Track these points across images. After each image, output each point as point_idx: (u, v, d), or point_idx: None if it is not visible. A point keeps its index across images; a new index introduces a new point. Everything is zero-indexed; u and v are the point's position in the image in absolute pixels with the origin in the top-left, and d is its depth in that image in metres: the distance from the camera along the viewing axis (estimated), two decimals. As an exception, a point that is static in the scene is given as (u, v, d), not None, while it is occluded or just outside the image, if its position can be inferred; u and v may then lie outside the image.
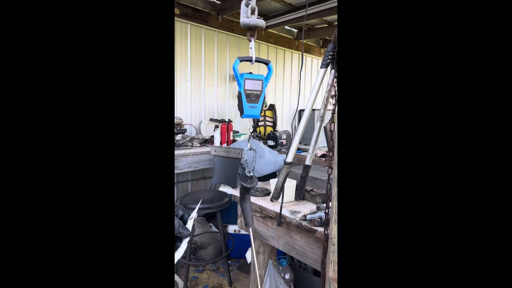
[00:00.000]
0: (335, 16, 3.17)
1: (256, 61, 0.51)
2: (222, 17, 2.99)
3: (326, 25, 3.62)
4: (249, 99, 0.50)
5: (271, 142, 2.92)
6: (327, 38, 4.26)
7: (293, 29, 3.88)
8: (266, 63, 0.52)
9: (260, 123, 3.11)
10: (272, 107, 3.22)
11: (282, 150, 2.84)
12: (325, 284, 0.78)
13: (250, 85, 0.50)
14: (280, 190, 0.80)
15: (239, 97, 0.50)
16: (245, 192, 0.55)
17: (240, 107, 0.51)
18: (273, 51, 3.73)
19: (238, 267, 2.06)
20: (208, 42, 2.99)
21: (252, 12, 0.51)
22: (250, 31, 0.51)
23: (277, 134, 2.93)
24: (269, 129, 3.13)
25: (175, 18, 2.66)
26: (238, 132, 3.02)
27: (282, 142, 2.98)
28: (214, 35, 3.03)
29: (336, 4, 2.67)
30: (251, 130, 0.62)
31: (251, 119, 2.83)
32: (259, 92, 0.51)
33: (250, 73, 0.53)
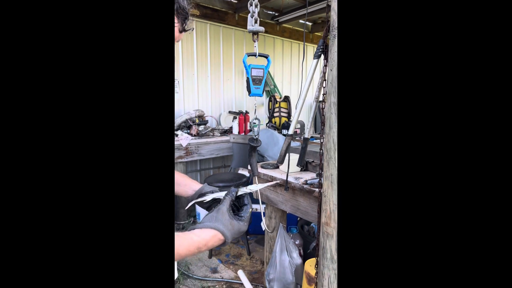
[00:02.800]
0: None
1: (258, 55, 0.73)
2: (239, 15, 3.20)
3: (339, 17, 3.70)
4: (254, 83, 0.72)
5: (285, 131, 3.12)
6: (342, 29, 4.33)
7: (307, 22, 4.01)
8: (266, 56, 0.74)
9: (275, 114, 3.31)
10: (286, 99, 3.41)
11: (296, 138, 3.04)
12: (320, 227, 0.99)
13: (255, 72, 0.72)
14: (283, 157, 1.01)
15: (247, 81, 0.72)
16: (252, 150, 0.77)
17: (248, 88, 0.73)
18: (288, 45, 3.89)
19: (255, 241, 2.31)
20: (226, 39, 3.22)
21: (255, 22, 0.73)
22: (254, 35, 0.73)
23: (287, 124, 3.12)
24: (284, 120, 3.32)
25: (196, 19, 2.92)
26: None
27: (296, 131, 3.17)
28: (232, 33, 3.25)
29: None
30: (255, 106, 0.79)
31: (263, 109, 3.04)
32: (261, 77, 0.72)
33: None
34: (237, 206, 0.64)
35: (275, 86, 3.55)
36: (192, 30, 0.58)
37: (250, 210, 0.62)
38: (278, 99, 3.35)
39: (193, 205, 0.70)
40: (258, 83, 0.73)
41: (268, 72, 3.51)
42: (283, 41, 3.80)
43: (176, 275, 0.72)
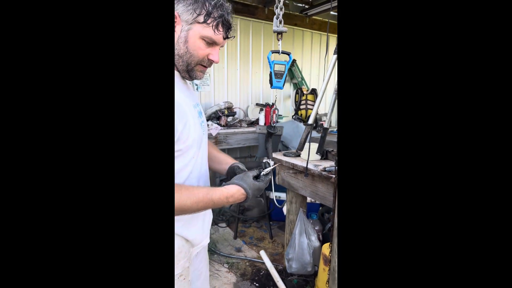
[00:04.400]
0: None
1: (281, 52, 0.83)
2: (268, 9, 3.25)
3: (372, 7, 3.59)
4: (276, 76, 0.82)
5: (311, 124, 3.17)
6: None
7: (335, 13, 3.94)
8: (288, 53, 0.84)
9: (301, 107, 3.36)
10: (314, 92, 3.43)
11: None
12: (335, 210, 1.08)
13: (277, 67, 0.82)
14: (302, 144, 1.11)
15: (270, 75, 0.83)
16: (269, 136, 0.88)
17: (271, 81, 0.83)
18: (317, 38, 3.87)
19: (278, 226, 2.44)
20: (256, 33, 3.31)
21: (280, 23, 0.83)
22: (278, 34, 0.83)
23: (318, 116, 3.16)
24: (310, 112, 3.37)
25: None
26: (281, 115, 3.34)
27: (322, 123, 3.20)
28: (261, 27, 3.33)
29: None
30: (275, 98, 0.86)
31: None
32: (282, 72, 0.82)
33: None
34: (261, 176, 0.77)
35: (302, 78, 3.59)
36: (234, 37, 0.69)
37: (270, 178, 0.76)
38: (305, 92, 3.39)
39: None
40: (280, 77, 0.83)
41: (296, 64, 3.52)
42: (312, 33, 3.80)
43: (208, 240, 0.87)
